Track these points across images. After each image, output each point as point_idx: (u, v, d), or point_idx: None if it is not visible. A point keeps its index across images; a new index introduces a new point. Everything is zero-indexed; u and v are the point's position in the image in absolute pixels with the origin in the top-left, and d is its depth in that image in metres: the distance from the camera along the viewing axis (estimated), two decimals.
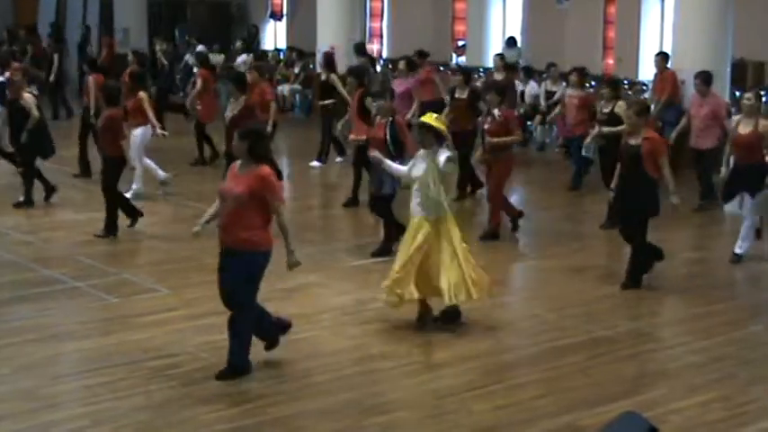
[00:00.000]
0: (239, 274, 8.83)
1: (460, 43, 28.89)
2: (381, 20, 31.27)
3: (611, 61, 25.67)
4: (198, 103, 19.26)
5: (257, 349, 9.50)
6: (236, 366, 8.99)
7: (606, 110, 15.20)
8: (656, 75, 19.55)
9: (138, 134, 15.77)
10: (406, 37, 29.17)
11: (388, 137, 12.95)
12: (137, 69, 18.47)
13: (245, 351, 9.03)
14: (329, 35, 24.33)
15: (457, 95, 16.70)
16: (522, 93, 21.83)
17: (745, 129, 12.93)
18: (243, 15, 34.76)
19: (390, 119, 13.14)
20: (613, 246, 14.17)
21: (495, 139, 13.78)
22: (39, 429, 8.04)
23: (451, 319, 10.49)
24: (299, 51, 26.63)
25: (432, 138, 10.37)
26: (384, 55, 30.48)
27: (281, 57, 29.28)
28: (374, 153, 11.34)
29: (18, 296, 11.47)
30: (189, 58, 28.25)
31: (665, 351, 10.01)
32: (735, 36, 18.92)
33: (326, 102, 19.15)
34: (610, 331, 10.47)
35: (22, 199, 15.45)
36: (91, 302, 11.25)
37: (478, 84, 20.03)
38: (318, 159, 19.38)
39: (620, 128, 14.64)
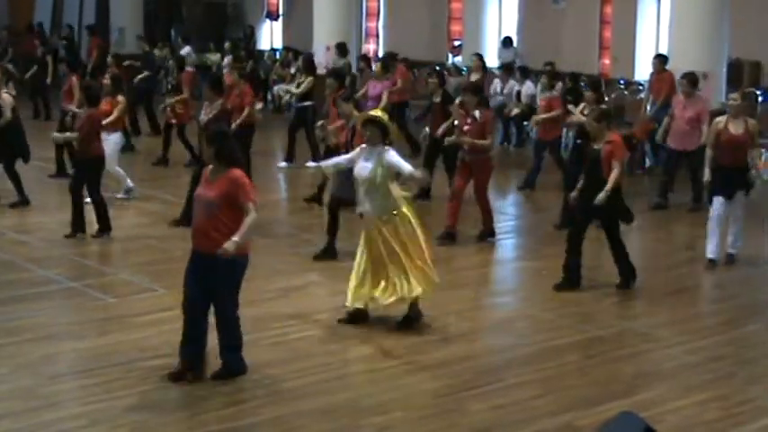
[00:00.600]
0: (220, 279, 8.72)
1: (456, 43, 28.90)
2: (377, 19, 31.27)
3: (607, 61, 25.69)
4: (180, 107, 18.85)
5: (253, 350, 9.50)
6: (232, 369, 8.96)
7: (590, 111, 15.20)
8: (652, 74, 19.55)
9: (112, 139, 15.58)
10: (402, 37, 29.19)
11: (349, 142, 12.68)
12: (117, 73, 18.35)
13: (238, 352, 8.99)
14: (325, 35, 24.33)
15: (433, 99, 16.54)
16: (519, 93, 21.83)
17: (736, 129, 12.77)
18: (239, 15, 34.75)
19: (354, 123, 12.69)
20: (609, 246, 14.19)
21: (468, 140, 13.49)
22: (36, 428, 8.02)
23: (414, 321, 10.44)
24: (295, 51, 26.62)
25: (378, 134, 10.26)
26: (380, 55, 30.48)
27: (277, 57, 29.27)
28: (308, 163, 11.36)
29: (14, 296, 11.45)
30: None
31: (661, 351, 10.01)
32: (731, 36, 18.94)
33: (305, 104, 18.95)
34: (606, 331, 10.47)
35: (17, 199, 15.43)
36: (87, 302, 11.23)
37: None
38: (286, 160, 19.28)
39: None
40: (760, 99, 20.92)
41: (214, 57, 30.24)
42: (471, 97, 13.82)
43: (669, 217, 15.39)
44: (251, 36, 33.04)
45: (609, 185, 11.32)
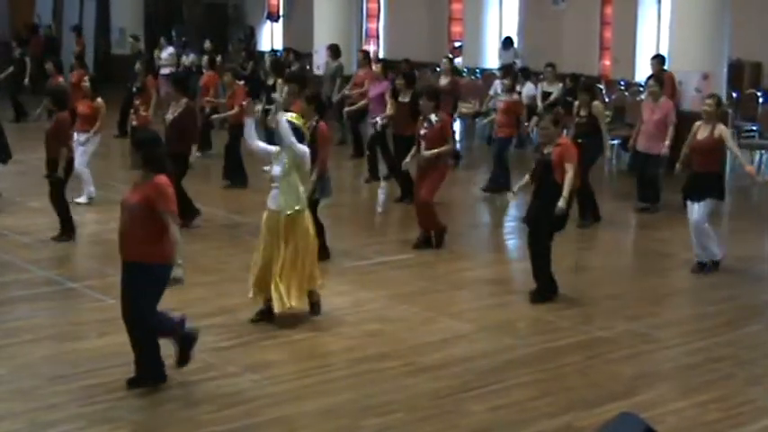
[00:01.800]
0: (140, 287, 8.55)
1: (457, 44, 28.91)
2: (378, 21, 31.28)
3: (607, 62, 25.70)
4: (144, 109, 18.65)
5: (254, 350, 9.51)
6: (147, 378, 8.77)
7: (584, 113, 15.22)
8: (651, 76, 19.53)
9: (83, 141, 15.53)
10: (402, 38, 29.22)
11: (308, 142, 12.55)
12: (94, 75, 18.27)
13: (155, 360, 8.80)
14: (326, 36, 24.33)
15: (400, 99, 16.43)
16: (520, 94, 21.80)
17: (702, 134, 12.60)
18: (239, 16, 34.77)
19: (314, 123, 12.42)
20: (609, 246, 14.19)
21: (429, 152, 13.18)
22: (36, 430, 8.03)
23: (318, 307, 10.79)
24: (295, 52, 26.62)
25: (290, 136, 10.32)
26: (381, 56, 30.49)
27: (278, 58, 29.27)
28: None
29: (14, 297, 11.46)
30: (185, 59, 28.18)
31: (661, 352, 10.01)
32: (731, 36, 18.94)
33: (270, 107, 18.75)
34: (607, 332, 10.47)
35: None
36: (87, 303, 11.24)
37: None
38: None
39: (603, 131, 15.15)
40: (761, 100, 20.91)
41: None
42: (427, 102, 13.41)
43: (667, 217, 15.36)
44: (251, 37, 33.04)
45: (565, 191, 11.02)
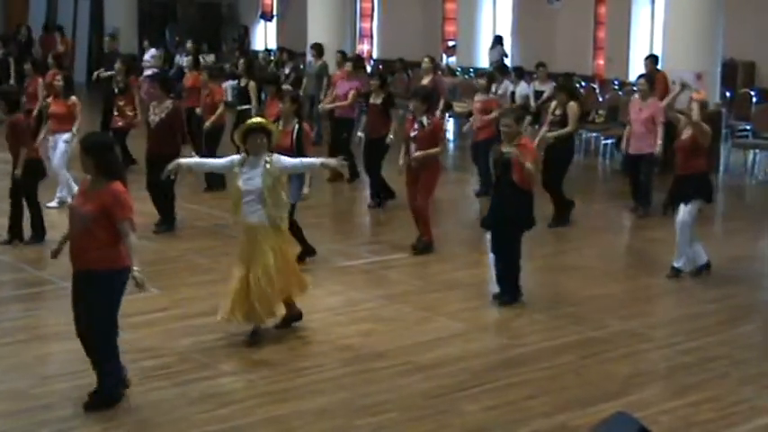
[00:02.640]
0: (97, 297, 8.19)
1: (451, 44, 28.93)
2: (371, 20, 31.29)
3: (601, 62, 25.73)
4: (130, 109, 18.53)
5: (249, 350, 9.50)
6: (108, 396, 8.40)
7: (559, 112, 14.98)
8: (644, 76, 19.55)
9: (63, 138, 15.29)
10: (396, 37, 29.23)
11: (294, 144, 12.30)
12: (68, 74, 18.14)
13: (115, 377, 8.45)
14: (319, 35, 24.33)
15: (372, 101, 16.30)
16: (513, 93, 21.82)
17: (685, 135, 12.36)
18: (233, 16, 34.79)
19: (297, 125, 12.40)
20: (603, 246, 14.20)
21: (419, 154, 12.94)
22: (30, 429, 8.02)
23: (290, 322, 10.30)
24: (289, 52, 26.63)
25: (265, 142, 9.75)
26: (374, 56, 30.51)
27: (272, 57, 29.29)
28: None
29: (8, 296, 11.45)
30: (179, 59, 28.13)
31: (656, 351, 10.02)
32: (725, 36, 18.96)
33: (243, 107, 18.73)
34: (601, 331, 10.48)
35: None
36: None
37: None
38: None
39: (566, 129, 14.81)
40: (754, 100, 20.95)
41: (209, 57, 30.21)
42: (419, 104, 13.20)
43: (660, 218, 15.35)
44: (245, 36, 33.05)
45: (530, 184, 10.96)
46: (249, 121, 10.07)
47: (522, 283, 11.37)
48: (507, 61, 25.30)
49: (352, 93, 18.13)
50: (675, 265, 12.31)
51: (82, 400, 8.43)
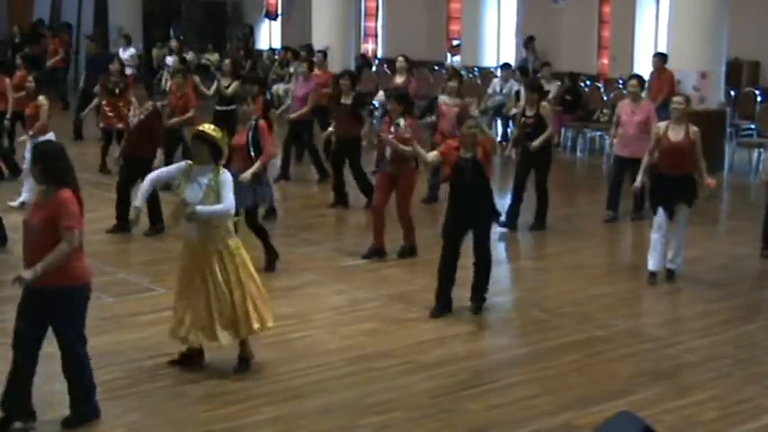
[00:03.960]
0: (57, 314, 7.92)
1: (455, 43, 28.90)
2: (376, 19, 31.28)
3: (605, 61, 25.70)
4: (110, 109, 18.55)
5: (253, 349, 9.49)
6: (85, 414, 8.13)
7: (531, 113, 14.52)
8: (652, 74, 19.56)
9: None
10: (400, 36, 29.20)
11: (250, 142, 12.24)
12: (38, 74, 18.07)
13: (91, 393, 8.17)
14: (324, 35, 24.33)
15: (342, 101, 16.12)
16: (518, 92, 21.82)
17: (676, 136, 12.03)
18: (238, 15, 34.77)
19: (254, 122, 12.32)
20: (608, 245, 14.20)
21: (400, 147, 12.47)
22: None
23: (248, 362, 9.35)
24: (293, 51, 26.63)
25: (207, 151, 9.00)
26: (379, 55, 30.50)
27: (276, 56, 29.29)
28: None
29: (9, 296, 11.40)
30: (169, 59, 27.96)
31: (660, 350, 10.01)
32: (730, 35, 18.94)
33: (224, 108, 18.54)
34: (605, 330, 10.48)
35: None
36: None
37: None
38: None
39: (547, 133, 14.40)
40: (759, 99, 20.92)
41: (213, 57, 30.23)
42: (396, 105, 12.89)
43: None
44: (250, 35, 33.04)
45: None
46: (195, 127, 9.56)
47: (525, 282, 11.37)
48: (510, 60, 25.26)
49: (309, 98, 18.08)
50: (670, 266, 12.24)
51: None
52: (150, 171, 13.46)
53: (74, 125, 21.99)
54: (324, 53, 21.12)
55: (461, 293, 11.73)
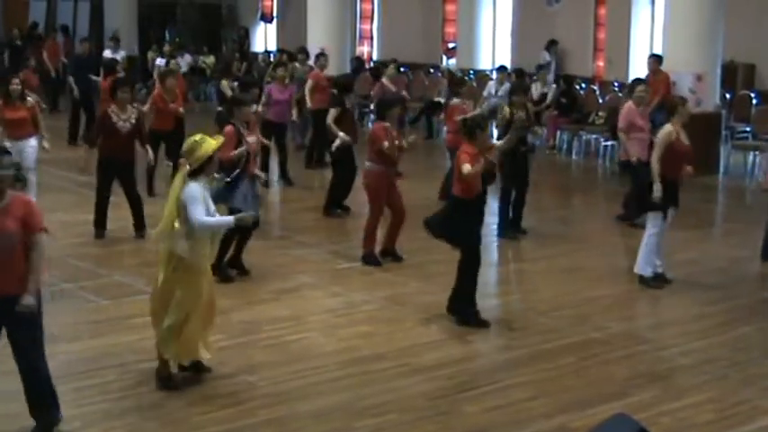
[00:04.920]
0: (23, 326, 7.70)
1: (451, 45, 28.92)
2: (372, 22, 31.29)
3: (601, 63, 25.72)
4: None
5: (248, 352, 9.48)
6: (52, 424, 7.92)
7: (522, 114, 14.17)
8: (647, 76, 19.58)
9: (34, 145, 14.86)
10: (396, 39, 29.23)
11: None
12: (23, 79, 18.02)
13: (54, 409, 7.91)
14: (319, 37, 24.34)
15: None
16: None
17: (686, 139, 11.98)
18: (233, 17, 34.79)
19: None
20: (605, 247, 14.20)
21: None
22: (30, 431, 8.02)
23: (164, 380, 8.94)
24: (289, 53, 26.63)
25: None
26: (374, 57, 30.52)
27: (272, 59, 29.29)
28: None
29: None
30: (160, 61, 27.90)
31: (656, 353, 10.01)
32: (725, 38, 18.97)
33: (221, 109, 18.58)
34: (602, 333, 10.48)
35: None
36: (81, 304, 11.22)
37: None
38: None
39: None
40: (754, 101, 20.95)
41: (209, 59, 30.24)
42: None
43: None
44: (245, 38, 33.05)
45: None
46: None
47: (521, 285, 11.36)
48: (506, 63, 25.27)
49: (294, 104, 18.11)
50: (662, 270, 12.24)
51: (81, 401, 8.44)
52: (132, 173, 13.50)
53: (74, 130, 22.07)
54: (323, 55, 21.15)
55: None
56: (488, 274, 12.31)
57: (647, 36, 24.56)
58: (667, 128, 11.98)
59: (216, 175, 9.44)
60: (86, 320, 10.70)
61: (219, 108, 18.11)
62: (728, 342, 10.31)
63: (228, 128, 11.74)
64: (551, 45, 25.53)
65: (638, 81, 16.13)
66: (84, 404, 8.48)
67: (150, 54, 30.44)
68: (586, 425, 7.87)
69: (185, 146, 8.86)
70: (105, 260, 13.04)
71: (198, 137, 8.90)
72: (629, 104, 14.93)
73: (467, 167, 10.32)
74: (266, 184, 15.29)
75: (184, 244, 8.63)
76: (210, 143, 8.80)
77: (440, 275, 12.41)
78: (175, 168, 14.21)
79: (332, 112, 15.32)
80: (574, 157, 21.30)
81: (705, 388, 9.06)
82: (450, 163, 15.80)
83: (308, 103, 19.46)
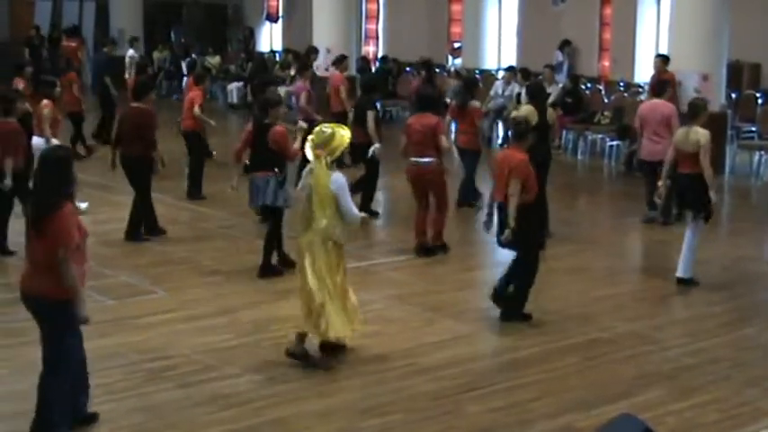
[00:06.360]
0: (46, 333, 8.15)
1: (456, 45, 28.92)
2: (377, 22, 31.30)
3: (606, 63, 25.71)
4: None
5: (254, 351, 9.50)
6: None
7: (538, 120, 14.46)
8: (653, 76, 19.56)
9: (41, 144, 15.00)
10: (401, 39, 29.23)
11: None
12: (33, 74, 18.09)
13: (67, 415, 7.95)
14: (325, 37, 24.36)
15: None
16: (519, 95, 21.84)
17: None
18: (238, 17, 34.81)
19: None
20: (611, 248, 14.20)
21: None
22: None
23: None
24: (294, 53, 26.66)
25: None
26: (380, 56, 30.51)
27: (277, 59, 29.32)
28: None
29: (13, 298, 11.42)
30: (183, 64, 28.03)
31: (661, 353, 10.01)
32: (731, 38, 18.95)
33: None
34: (607, 333, 10.48)
35: None
36: (87, 304, 11.17)
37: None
38: None
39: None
40: (759, 101, 20.94)
41: (214, 59, 30.25)
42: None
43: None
44: (251, 38, 33.08)
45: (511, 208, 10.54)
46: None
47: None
48: (512, 63, 25.27)
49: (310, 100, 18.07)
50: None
51: (89, 401, 8.45)
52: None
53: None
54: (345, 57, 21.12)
55: (463, 296, 11.76)
56: (491, 274, 12.30)
57: (653, 36, 24.55)
58: (704, 131, 12.06)
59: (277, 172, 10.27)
60: (93, 320, 10.66)
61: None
62: (733, 342, 10.31)
63: (281, 128, 12.10)
64: (565, 45, 25.50)
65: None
66: (91, 404, 8.48)
67: (156, 54, 30.50)
68: (592, 425, 7.88)
69: (317, 138, 9.23)
70: (111, 260, 13.05)
71: (327, 127, 9.31)
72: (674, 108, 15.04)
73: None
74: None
75: (341, 231, 9.46)
76: (342, 133, 9.26)
77: (446, 276, 12.45)
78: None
79: (370, 116, 15.04)
80: (579, 156, 21.28)
81: (710, 388, 9.07)
82: (463, 165, 15.83)
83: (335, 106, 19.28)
